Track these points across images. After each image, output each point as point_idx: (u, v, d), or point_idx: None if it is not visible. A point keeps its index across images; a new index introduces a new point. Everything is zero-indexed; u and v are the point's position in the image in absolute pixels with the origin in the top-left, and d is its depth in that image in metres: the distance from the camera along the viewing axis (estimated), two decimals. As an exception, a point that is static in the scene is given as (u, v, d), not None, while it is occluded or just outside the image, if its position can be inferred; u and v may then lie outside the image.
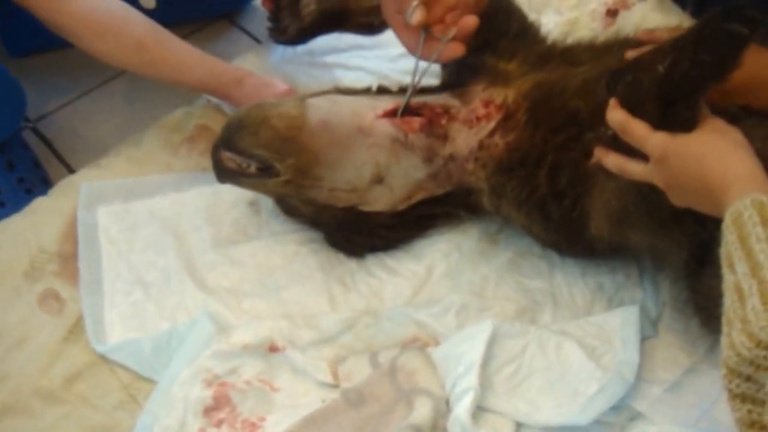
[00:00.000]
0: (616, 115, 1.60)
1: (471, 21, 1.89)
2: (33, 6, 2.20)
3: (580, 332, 1.95)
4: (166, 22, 2.38)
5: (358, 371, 1.90)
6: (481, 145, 2.01)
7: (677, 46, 1.55)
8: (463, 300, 2.03)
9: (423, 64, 1.99)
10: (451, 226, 2.18)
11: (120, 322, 2.05)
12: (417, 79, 2.00)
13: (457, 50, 1.93)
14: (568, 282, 2.08)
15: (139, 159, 2.38)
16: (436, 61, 1.97)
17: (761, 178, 1.39)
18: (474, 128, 2.03)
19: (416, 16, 1.86)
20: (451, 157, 2.04)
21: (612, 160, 1.66)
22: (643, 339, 1.94)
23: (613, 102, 1.62)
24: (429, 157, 2.04)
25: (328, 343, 1.96)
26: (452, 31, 1.91)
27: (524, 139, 1.96)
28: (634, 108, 1.58)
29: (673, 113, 1.53)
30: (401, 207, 2.09)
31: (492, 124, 2.01)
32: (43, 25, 2.25)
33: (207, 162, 2.10)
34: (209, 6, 2.99)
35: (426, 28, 1.94)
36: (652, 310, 2.01)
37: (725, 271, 1.31)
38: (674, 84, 1.53)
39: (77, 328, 2.04)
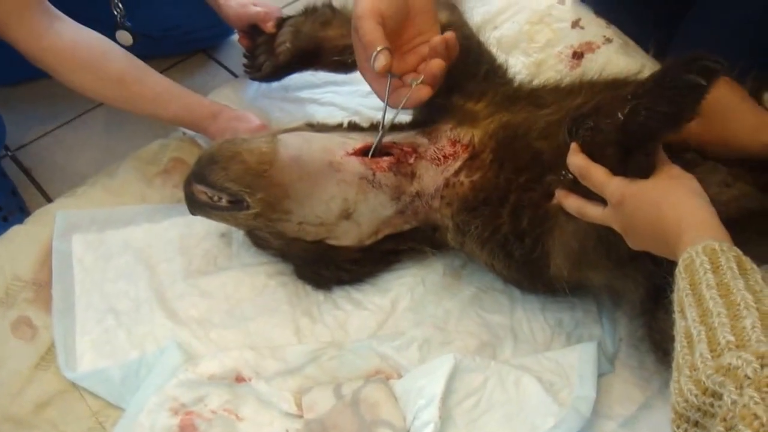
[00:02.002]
0: (576, 160, 1.65)
1: (437, 64, 1.91)
2: (13, 39, 2.23)
3: (538, 367, 1.98)
4: (144, 55, 2.42)
5: (321, 402, 1.92)
6: (447, 184, 2.04)
7: (637, 94, 1.59)
8: (425, 334, 2.06)
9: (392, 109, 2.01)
10: (417, 261, 2.21)
11: (91, 350, 2.07)
12: (386, 124, 2.03)
13: (422, 93, 1.94)
14: (529, 318, 2.11)
15: (114, 189, 2.41)
16: (404, 106, 1.98)
17: (714, 225, 1.42)
18: (441, 166, 2.06)
19: (379, 61, 1.86)
20: (418, 195, 2.07)
21: (572, 203, 1.71)
22: (600, 375, 1.97)
23: (574, 146, 1.67)
24: (396, 195, 2.06)
25: (292, 374, 1.99)
26: (420, 76, 1.94)
27: (489, 179, 1.99)
28: (593, 153, 1.63)
29: (631, 159, 1.57)
30: (368, 242, 2.12)
31: (458, 163, 2.05)
32: (24, 56, 2.28)
33: (180, 194, 2.11)
34: (188, 41, 3.02)
35: (396, 75, 1.96)
36: (610, 347, 2.04)
37: (677, 316, 1.33)
38: (632, 132, 1.57)
39: (49, 355, 2.07)
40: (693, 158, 1.79)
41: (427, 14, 1.98)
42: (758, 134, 1.81)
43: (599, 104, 1.69)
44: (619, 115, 1.58)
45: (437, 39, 1.91)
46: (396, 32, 1.92)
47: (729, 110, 1.84)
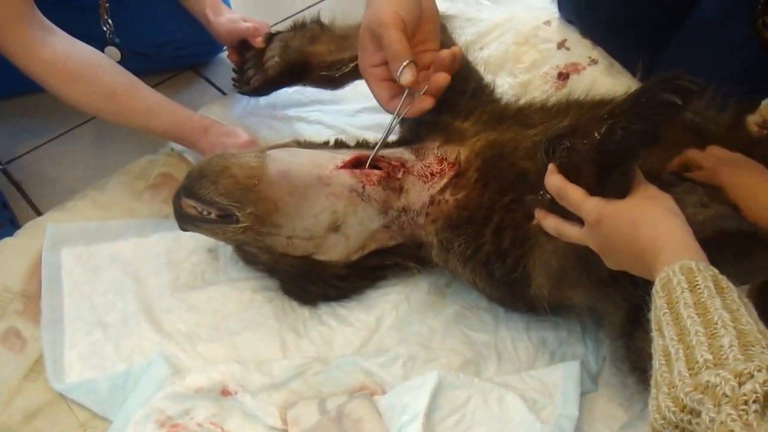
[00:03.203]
0: (553, 180, 1.65)
1: (442, 78, 1.94)
2: (7, 51, 2.25)
3: (522, 385, 1.99)
4: (134, 71, 2.44)
5: (306, 417, 1.93)
6: (433, 201, 2.06)
7: (613, 113, 1.60)
8: (410, 351, 2.07)
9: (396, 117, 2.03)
10: (402, 278, 2.22)
11: (79, 362, 2.08)
12: (388, 131, 2.05)
13: (425, 103, 1.97)
14: (513, 336, 2.12)
15: (103, 203, 2.43)
16: (407, 115, 2.01)
17: (690, 245, 1.43)
18: (427, 183, 2.08)
19: (406, 75, 1.89)
20: (404, 210, 2.09)
21: (550, 223, 1.71)
22: (583, 393, 1.98)
23: (551, 167, 1.67)
24: (384, 209, 2.08)
25: (278, 389, 2.00)
26: (424, 86, 1.96)
27: (473, 198, 2.01)
28: (570, 173, 1.63)
29: (608, 179, 1.58)
30: (355, 257, 2.13)
31: (444, 181, 2.07)
32: (17, 69, 2.30)
33: (169, 209, 2.13)
34: (177, 57, 3.03)
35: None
36: (593, 366, 2.05)
37: (655, 334, 1.34)
38: (609, 151, 1.57)
39: (37, 366, 2.08)
40: (670, 179, 1.80)
41: (434, 24, 2.01)
42: None
43: (576, 124, 1.71)
44: (596, 134, 1.59)
45: (446, 53, 1.93)
46: (407, 40, 1.93)
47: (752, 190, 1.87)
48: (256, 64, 2.54)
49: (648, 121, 1.53)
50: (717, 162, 1.89)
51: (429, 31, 1.99)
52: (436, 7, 2.02)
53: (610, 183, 1.58)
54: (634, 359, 1.88)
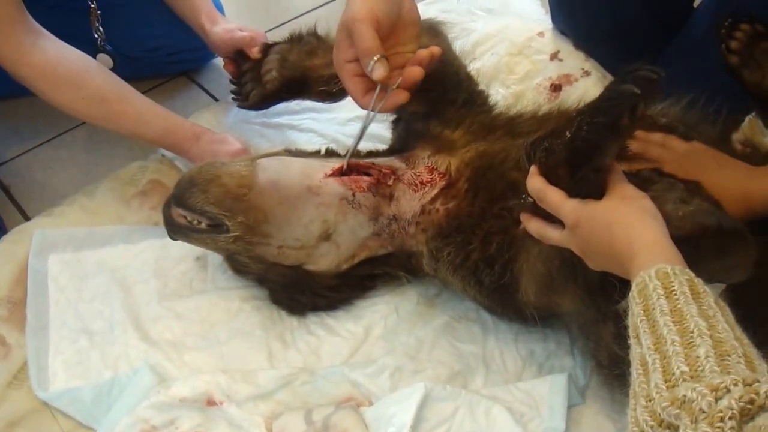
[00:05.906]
0: (534, 183, 1.65)
1: (416, 71, 1.90)
2: (-3, 55, 2.25)
3: (509, 397, 1.98)
4: (126, 76, 2.44)
5: (292, 427, 1.92)
6: (423, 210, 2.06)
7: (581, 111, 1.62)
8: (397, 362, 2.06)
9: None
10: (391, 288, 2.22)
11: (64, 369, 2.07)
12: (365, 126, 2.02)
13: (400, 96, 1.92)
14: (501, 348, 2.11)
15: (92, 209, 2.43)
16: (382, 110, 1.97)
17: (666, 247, 1.42)
18: (418, 192, 2.07)
19: (378, 70, 1.85)
20: (395, 218, 2.09)
21: (533, 226, 1.71)
22: (571, 406, 1.97)
23: (533, 170, 1.67)
24: (375, 216, 2.08)
25: (264, 399, 1.99)
26: (398, 80, 1.92)
27: (463, 207, 2.01)
28: (549, 174, 1.64)
29: (581, 177, 1.58)
30: (345, 266, 2.13)
31: (435, 191, 2.06)
32: (6, 72, 2.29)
33: (158, 216, 2.13)
34: (170, 63, 3.02)
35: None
36: (581, 379, 2.04)
37: (632, 341, 1.34)
38: (578, 148, 1.57)
39: (22, 374, 2.07)
40: (649, 175, 1.78)
41: (412, 29, 1.97)
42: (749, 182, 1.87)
43: (555, 127, 1.71)
44: (567, 133, 1.60)
45: (425, 51, 1.91)
46: (382, 39, 1.91)
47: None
48: (254, 77, 2.52)
49: (609, 113, 1.53)
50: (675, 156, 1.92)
51: (407, 35, 1.97)
52: (416, 13, 2.00)
53: (582, 181, 1.58)
54: (602, 357, 1.87)
